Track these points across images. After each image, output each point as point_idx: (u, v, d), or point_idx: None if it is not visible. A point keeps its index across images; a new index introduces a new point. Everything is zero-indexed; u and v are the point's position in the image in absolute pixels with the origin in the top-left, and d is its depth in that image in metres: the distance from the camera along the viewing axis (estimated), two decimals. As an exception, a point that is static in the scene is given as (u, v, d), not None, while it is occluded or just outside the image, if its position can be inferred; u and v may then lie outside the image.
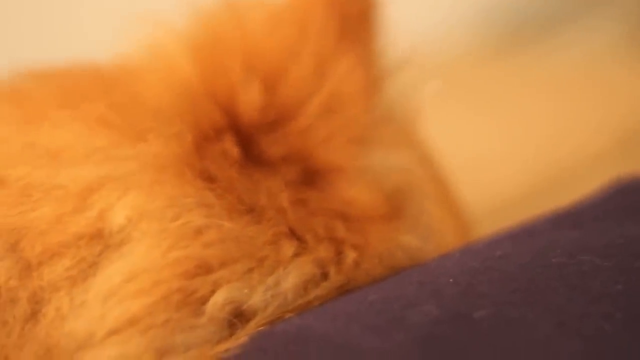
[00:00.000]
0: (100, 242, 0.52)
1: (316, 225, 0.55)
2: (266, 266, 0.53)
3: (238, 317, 0.52)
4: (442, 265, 0.54)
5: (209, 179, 0.54)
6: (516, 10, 2.04)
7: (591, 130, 1.51)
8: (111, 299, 0.50)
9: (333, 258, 0.56)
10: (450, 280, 0.52)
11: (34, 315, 0.50)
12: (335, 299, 0.54)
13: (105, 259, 0.51)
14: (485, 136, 1.51)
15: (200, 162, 0.55)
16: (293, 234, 0.55)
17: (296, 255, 0.54)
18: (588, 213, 0.59)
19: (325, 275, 0.55)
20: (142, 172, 0.53)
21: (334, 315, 0.51)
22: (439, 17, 1.98)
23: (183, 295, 0.51)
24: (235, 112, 0.57)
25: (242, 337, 0.52)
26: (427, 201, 0.63)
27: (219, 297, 0.52)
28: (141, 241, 0.51)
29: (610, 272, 0.51)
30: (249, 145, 0.57)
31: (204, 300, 0.51)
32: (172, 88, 0.57)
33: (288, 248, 0.54)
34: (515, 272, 0.52)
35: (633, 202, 0.60)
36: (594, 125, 1.52)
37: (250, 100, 0.57)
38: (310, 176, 0.57)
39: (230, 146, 0.56)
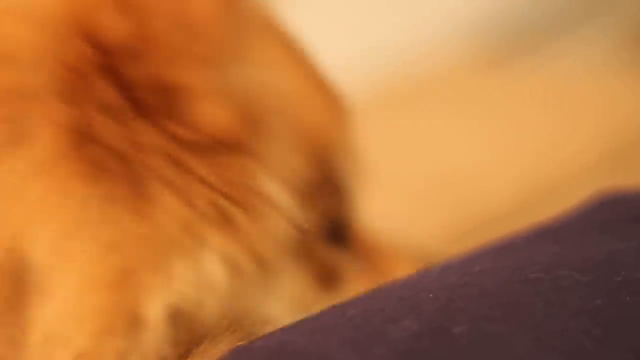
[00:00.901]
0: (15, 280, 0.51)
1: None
2: (185, 250, 0.53)
3: (178, 317, 0.52)
4: (422, 280, 0.55)
5: (98, 166, 0.53)
6: (511, 21, 2.04)
7: (585, 142, 1.51)
8: (51, 341, 0.50)
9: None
10: (430, 295, 0.52)
11: None
12: (315, 314, 0.54)
13: (27, 297, 0.51)
14: (478, 148, 1.51)
15: (82, 150, 0.53)
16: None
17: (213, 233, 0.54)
18: (568, 227, 0.59)
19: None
20: (31, 189, 0.52)
21: (313, 329, 0.51)
22: (434, 27, 1.99)
23: (121, 317, 0.51)
24: (100, 43, 0.54)
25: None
26: (287, 118, 0.62)
27: (153, 307, 0.52)
28: (56, 272, 0.51)
29: (589, 287, 0.51)
30: (122, 88, 0.55)
31: (142, 316, 0.51)
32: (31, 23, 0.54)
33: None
34: (494, 287, 0.52)
35: (613, 216, 0.60)
36: (587, 136, 1.52)
37: (112, 26, 0.54)
38: (170, 103, 0.55)
39: (106, 90, 0.54)
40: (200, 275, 0.54)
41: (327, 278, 0.77)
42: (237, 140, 0.56)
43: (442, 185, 1.40)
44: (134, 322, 0.51)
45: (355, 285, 0.80)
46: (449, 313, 0.50)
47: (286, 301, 0.74)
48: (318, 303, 0.76)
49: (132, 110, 0.55)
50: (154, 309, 0.52)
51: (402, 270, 0.85)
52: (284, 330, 0.53)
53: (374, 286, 0.79)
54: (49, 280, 0.51)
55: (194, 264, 0.54)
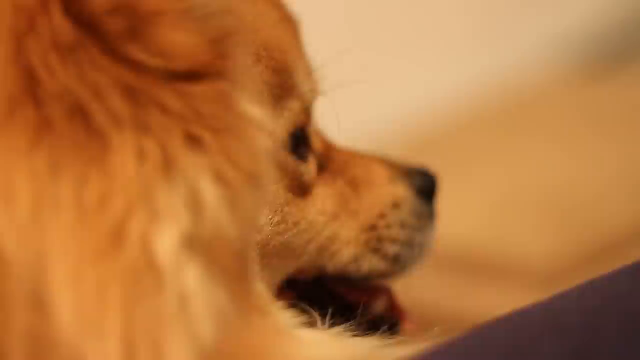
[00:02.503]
0: None
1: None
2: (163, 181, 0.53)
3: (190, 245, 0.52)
4: (563, 304, 0.54)
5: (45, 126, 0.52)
6: (606, 37, 2.03)
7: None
8: None
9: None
10: (573, 319, 0.52)
11: None
12: (454, 338, 0.54)
13: None
14: (587, 166, 1.48)
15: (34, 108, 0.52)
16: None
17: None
18: None
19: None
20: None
21: (457, 354, 0.51)
22: (528, 44, 1.98)
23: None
24: None
25: None
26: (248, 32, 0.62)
27: (164, 243, 0.51)
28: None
29: None
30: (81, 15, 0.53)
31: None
32: None
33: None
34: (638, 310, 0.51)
35: None
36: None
37: None
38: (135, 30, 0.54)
39: (61, 22, 0.52)
40: (189, 196, 0.53)
41: (297, 187, 0.77)
42: (208, 66, 0.55)
43: (553, 206, 1.39)
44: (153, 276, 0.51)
45: (323, 195, 0.79)
46: (593, 337, 0.50)
47: (266, 209, 0.73)
48: (291, 212, 0.76)
49: (92, 42, 0.53)
50: (163, 245, 0.51)
51: (368, 173, 0.84)
52: (427, 353, 0.53)
53: (338, 195, 0.78)
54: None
55: (178, 190, 0.53)
